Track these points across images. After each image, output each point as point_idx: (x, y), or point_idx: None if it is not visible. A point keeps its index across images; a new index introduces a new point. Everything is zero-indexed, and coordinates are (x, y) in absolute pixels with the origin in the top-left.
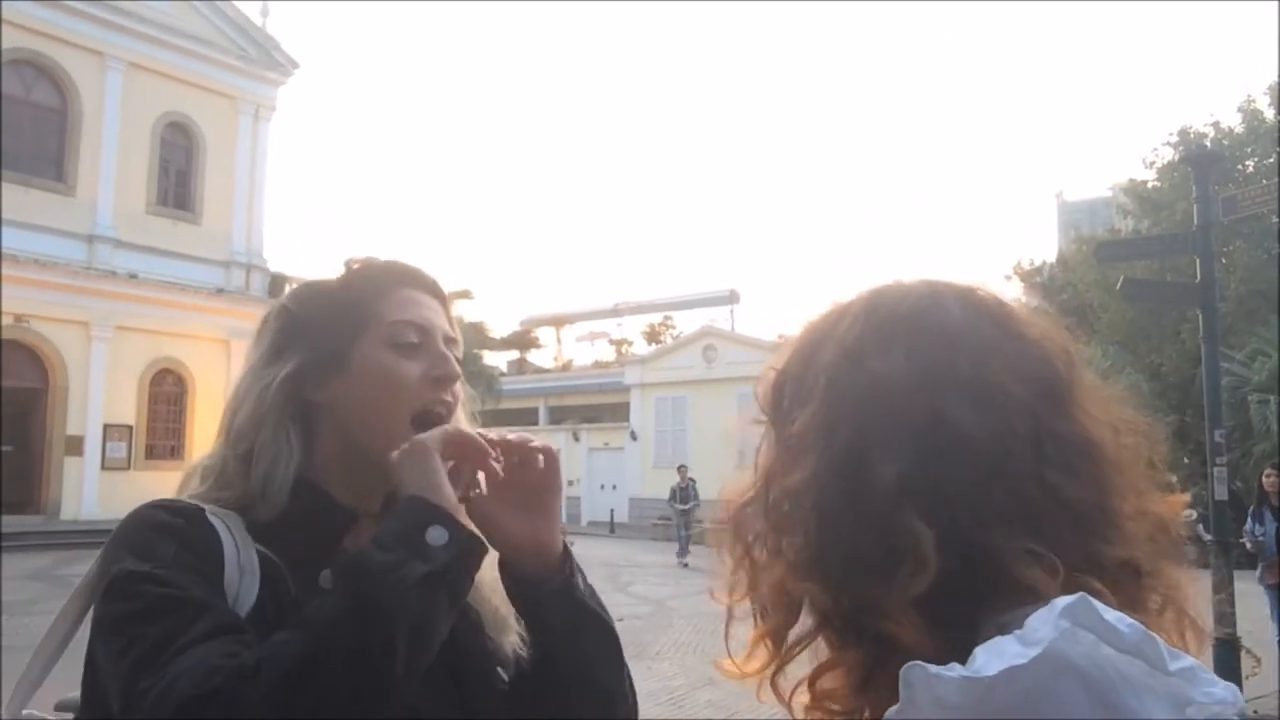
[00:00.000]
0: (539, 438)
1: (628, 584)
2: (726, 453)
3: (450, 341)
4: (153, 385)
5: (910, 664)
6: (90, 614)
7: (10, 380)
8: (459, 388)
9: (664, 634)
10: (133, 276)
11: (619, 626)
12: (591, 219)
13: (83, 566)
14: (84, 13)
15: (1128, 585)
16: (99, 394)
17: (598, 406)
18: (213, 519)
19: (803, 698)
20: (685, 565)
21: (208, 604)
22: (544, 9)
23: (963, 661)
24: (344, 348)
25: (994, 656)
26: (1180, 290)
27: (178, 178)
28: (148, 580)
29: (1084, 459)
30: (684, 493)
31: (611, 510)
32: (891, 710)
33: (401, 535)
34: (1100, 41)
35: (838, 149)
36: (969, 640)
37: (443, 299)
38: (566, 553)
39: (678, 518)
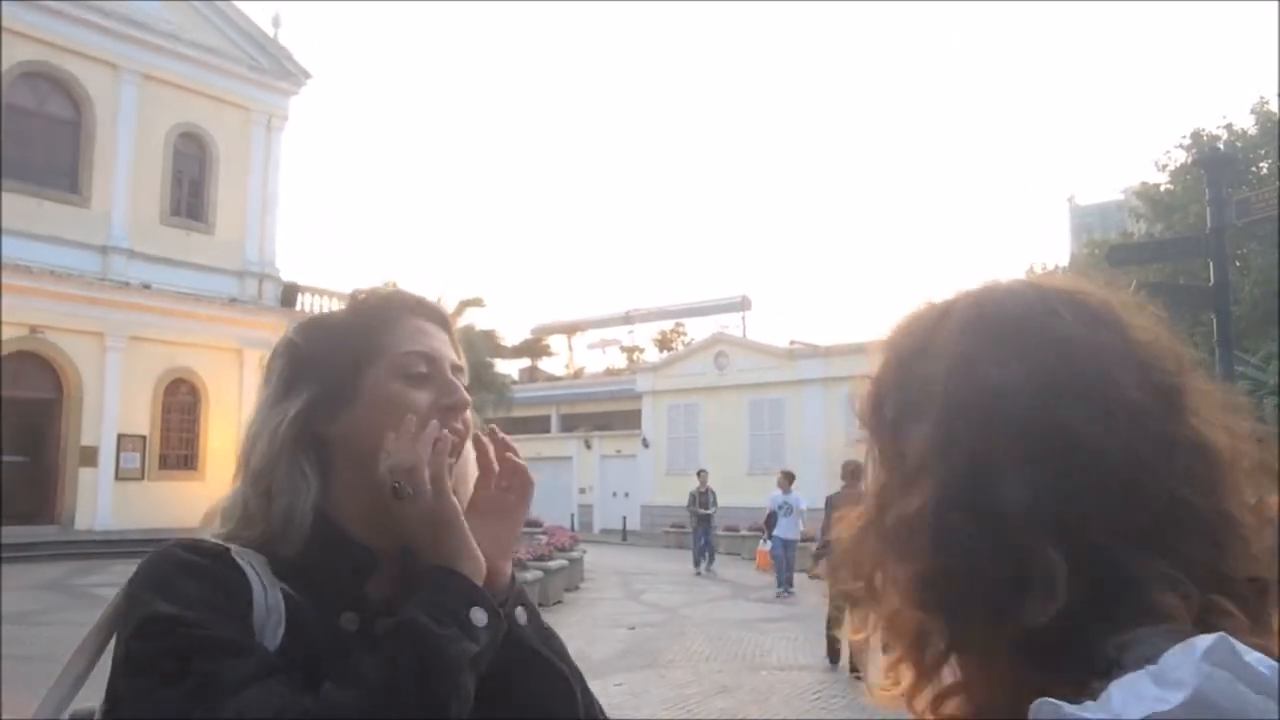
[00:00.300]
0: (552, 445)
1: (640, 592)
2: (739, 460)
3: (457, 370)
4: (166, 395)
5: (1041, 701)
6: (105, 649)
7: (25, 391)
8: (469, 414)
9: (677, 642)
10: (146, 287)
11: (631, 635)
12: (602, 226)
13: (97, 577)
14: (97, 24)
15: (1254, 603)
16: (113, 404)
17: (609, 414)
18: (239, 559)
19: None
20: (700, 574)
21: (245, 645)
22: (553, 17)
23: (1081, 689)
24: (353, 380)
25: (1132, 698)
26: (1194, 294)
27: (191, 188)
28: (179, 623)
29: (1206, 467)
30: (703, 498)
31: (624, 518)
32: None
33: (451, 611)
34: (1111, 43)
35: (849, 153)
36: (1084, 665)
37: (448, 327)
38: (513, 583)
39: (697, 524)
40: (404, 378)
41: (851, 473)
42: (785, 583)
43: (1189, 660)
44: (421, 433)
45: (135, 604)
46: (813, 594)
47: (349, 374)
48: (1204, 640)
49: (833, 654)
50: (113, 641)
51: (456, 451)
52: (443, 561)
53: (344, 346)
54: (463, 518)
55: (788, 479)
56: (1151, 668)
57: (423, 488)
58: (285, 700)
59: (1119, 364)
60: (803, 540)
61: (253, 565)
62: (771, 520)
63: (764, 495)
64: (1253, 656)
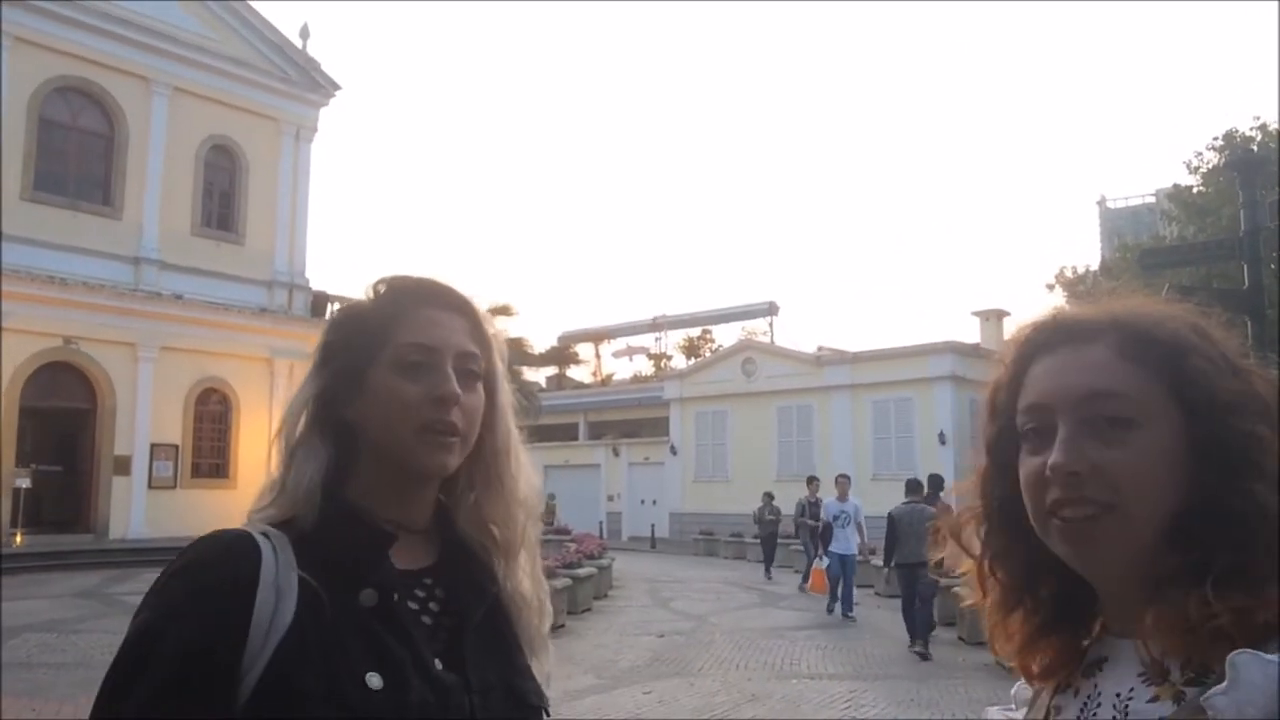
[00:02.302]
0: (580, 453)
1: (669, 599)
2: (767, 467)
3: (466, 357)
4: (198, 404)
5: (1241, 651)
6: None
7: (59, 401)
8: (472, 403)
9: (706, 650)
10: (178, 297)
11: (660, 643)
12: (629, 233)
13: (131, 585)
14: (129, 38)
15: None
16: (145, 414)
17: (637, 421)
18: (261, 541)
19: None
20: (805, 591)
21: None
22: (581, 25)
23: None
24: (364, 369)
25: None
26: (1228, 297)
27: (221, 199)
28: (144, 637)
29: None
30: (813, 508)
31: (652, 525)
32: (1218, 688)
33: None
34: (1140, 43)
35: (876, 157)
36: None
37: (468, 313)
38: None
39: (808, 538)
40: (400, 369)
41: (913, 488)
42: (845, 604)
43: None
44: None
45: (147, 597)
46: (865, 607)
47: (361, 363)
48: None
49: (914, 634)
50: None
51: (463, 442)
52: None
53: (359, 336)
54: None
55: (845, 484)
56: None
57: None
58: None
59: None
60: (861, 555)
61: (274, 545)
62: (827, 533)
63: (793, 502)
64: None
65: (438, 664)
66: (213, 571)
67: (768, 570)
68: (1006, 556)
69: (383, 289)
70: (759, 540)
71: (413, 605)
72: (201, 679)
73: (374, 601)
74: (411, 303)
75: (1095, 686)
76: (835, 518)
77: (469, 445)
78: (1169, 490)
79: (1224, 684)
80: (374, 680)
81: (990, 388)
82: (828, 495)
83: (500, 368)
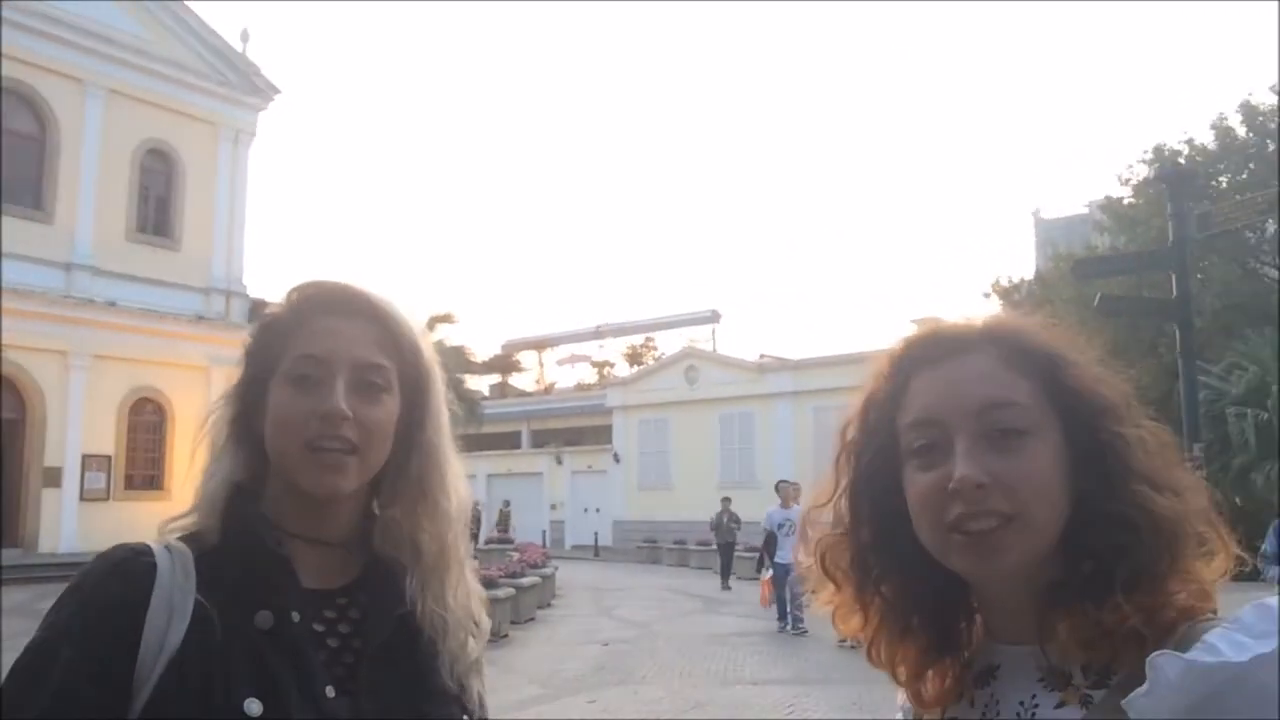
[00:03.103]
0: (523, 461)
1: (612, 608)
2: (709, 474)
3: (368, 368)
4: (132, 414)
5: (1159, 653)
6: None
7: None
8: (373, 416)
9: (649, 658)
10: (111, 304)
11: (604, 651)
12: (572, 241)
13: None
14: (62, 39)
15: None
16: (77, 424)
17: (580, 429)
18: (160, 559)
19: None
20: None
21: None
22: (521, 32)
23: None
24: (265, 381)
25: (1233, 646)
26: (1157, 305)
27: (157, 204)
28: (35, 657)
29: None
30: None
31: (595, 533)
32: (1139, 690)
33: None
34: (1074, 59)
35: (816, 167)
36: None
37: (380, 321)
38: None
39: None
40: (291, 381)
41: None
42: (793, 618)
43: (1269, 615)
44: None
45: (48, 614)
46: (807, 612)
47: (265, 374)
48: (1272, 600)
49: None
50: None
51: (361, 459)
52: None
53: (264, 347)
54: None
55: (792, 492)
56: (1232, 624)
57: None
58: None
59: None
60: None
61: (174, 564)
62: (771, 543)
63: (742, 510)
64: None
65: (330, 691)
66: (102, 590)
67: (725, 580)
68: (889, 579)
69: (294, 297)
70: (717, 549)
71: (319, 627)
72: (91, 699)
73: (269, 624)
74: (311, 311)
75: (992, 695)
76: (780, 526)
77: (371, 461)
78: (1061, 496)
79: (1145, 686)
80: (253, 707)
81: (861, 403)
82: (794, 502)
83: (430, 376)
